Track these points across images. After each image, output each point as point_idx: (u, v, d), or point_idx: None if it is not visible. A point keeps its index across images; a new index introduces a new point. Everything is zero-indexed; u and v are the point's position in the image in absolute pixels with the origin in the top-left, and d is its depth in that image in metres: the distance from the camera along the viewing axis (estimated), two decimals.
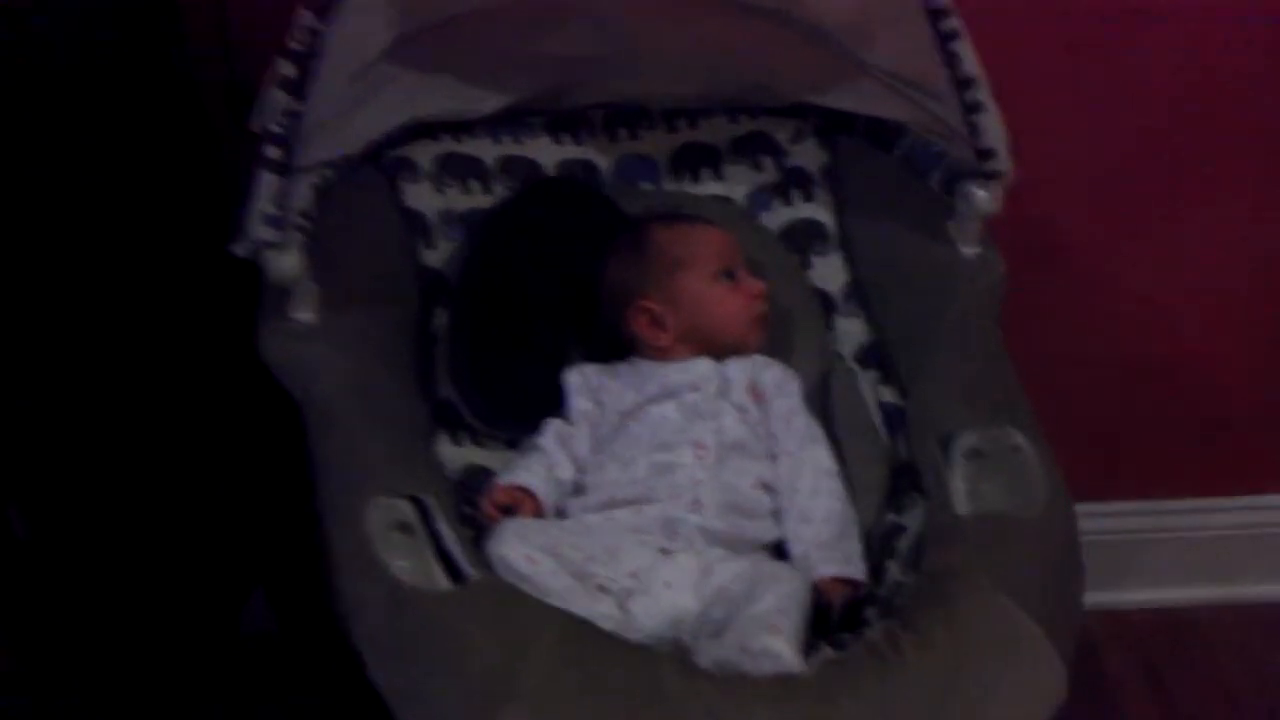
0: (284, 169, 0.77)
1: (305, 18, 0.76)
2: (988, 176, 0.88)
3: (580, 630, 0.67)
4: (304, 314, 0.82)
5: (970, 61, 0.85)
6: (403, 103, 0.96)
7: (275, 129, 0.76)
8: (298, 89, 0.76)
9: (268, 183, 0.76)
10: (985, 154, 0.87)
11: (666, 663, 0.66)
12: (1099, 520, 1.38)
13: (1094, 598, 1.39)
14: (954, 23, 0.84)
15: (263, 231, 0.77)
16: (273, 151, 0.76)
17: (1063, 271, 1.27)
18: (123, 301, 1.03)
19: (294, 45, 0.77)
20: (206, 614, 1.18)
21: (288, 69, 0.76)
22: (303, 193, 0.86)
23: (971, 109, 0.86)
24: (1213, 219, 1.27)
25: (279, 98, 0.76)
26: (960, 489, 0.80)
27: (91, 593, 1.00)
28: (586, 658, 0.65)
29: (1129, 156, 1.25)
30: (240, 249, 0.79)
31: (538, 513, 0.84)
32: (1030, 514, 0.75)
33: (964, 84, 0.85)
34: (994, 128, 0.87)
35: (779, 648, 0.69)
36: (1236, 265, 1.32)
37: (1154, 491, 1.46)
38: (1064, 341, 1.32)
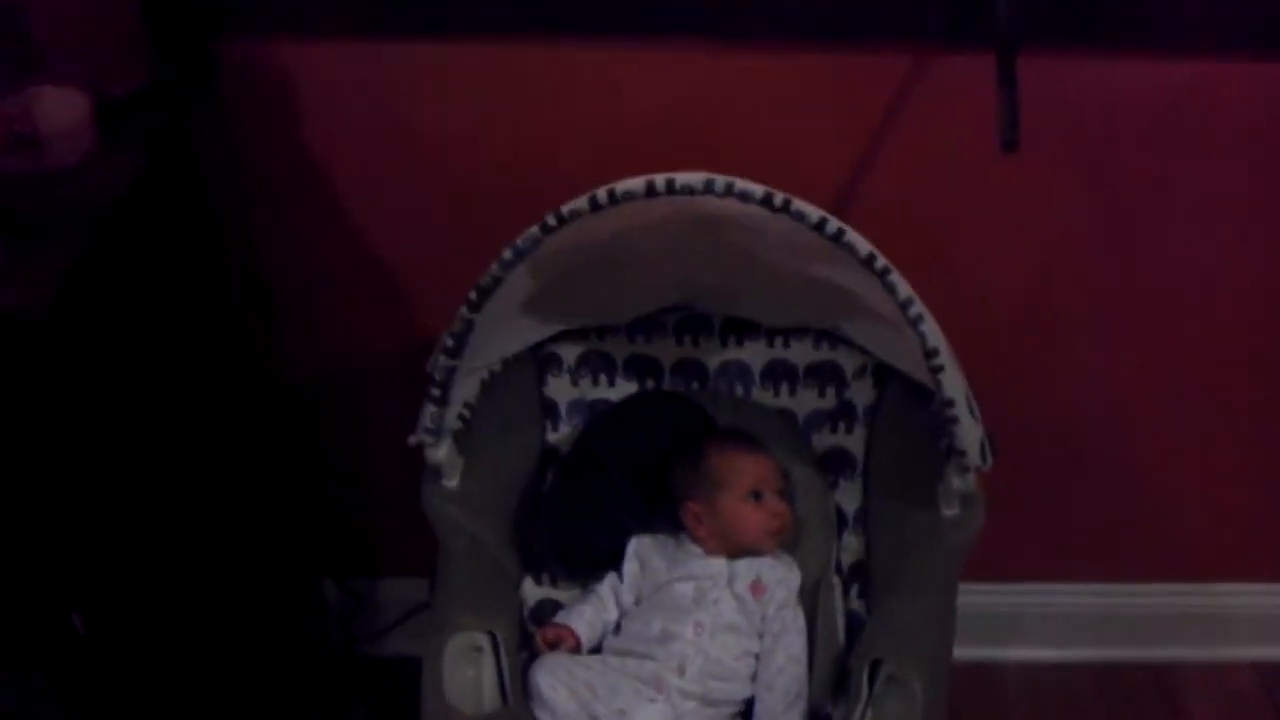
0: (440, 402, 1.13)
1: (462, 310, 1.11)
2: (959, 469, 1.11)
3: None
4: (449, 481, 1.18)
5: (949, 387, 1.07)
6: (557, 316, 1.29)
7: (437, 376, 1.12)
8: (454, 353, 1.11)
9: (429, 411, 1.12)
10: (958, 453, 1.10)
11: None
12: None
13: None
14: (940, 360, 1.06)
15: (425, 437, 1.14)
16: (435, 391, 1.12)
17: None
18: (170, 436, 1.26)
19: (453, 329, 1.09)
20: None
21: (448, 341, 1.11)
22: (468, 388, 1.23)
23: (950, 421, 1.08)
24: None
25: (441, 359, 1.11)
26: (865, 708, 1.06)
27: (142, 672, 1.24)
28: None
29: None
30: (412, 440, 1.18)
31: (575, 648, 1.18)
32: None
33: (946, 403, 1.08)
34: (967, 435, 1.09)
35: None
36: None
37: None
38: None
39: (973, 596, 1.63)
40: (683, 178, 1.02)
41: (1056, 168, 1.42)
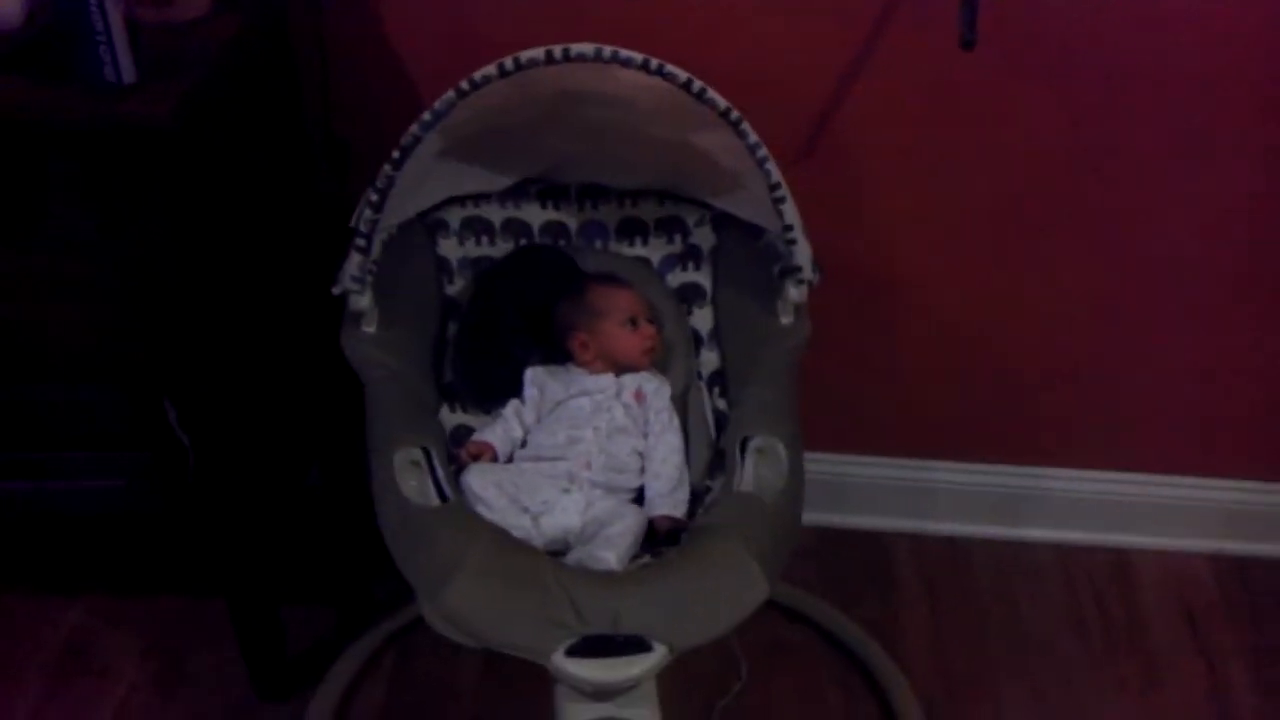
0: (365, 251, 1.30)
1: (385, 168, 1.28)
2: (797, 282, 1.40)
3: (502, 536, 1.23)
4: (368, 328, 1.37)
5: (789, 215, 1.34)
6: (445, 185, 1.50)
7: (362, 228, 1.29)
8: (378, 208, 1.28)
9: (356, 260, 1.30)
10: (795, 269, 1.38)
11: (544, 559, 1.21)
12: (908, 470, 1.96)
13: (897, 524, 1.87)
14: (782, 192, 1.32)
15: (351, 285, 1.31)
16: (360, 241, 1.29)
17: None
18: (253, 258, 1.54)
19: (377, 184, 1.27)
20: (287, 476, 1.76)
21: (373, 195, 1.28)
22: (377, 248, 1.40)
23: (790, 243, 1.36)
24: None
25: (367, 212, 1.28)
26: (743, 473, 1.33)
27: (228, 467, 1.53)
28: (504, 552, 1.20)
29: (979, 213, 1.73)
30: (336, 289, 1.34)
31: (493, 459, 1.39)
32: (769, 497, 1.28)
33: (786, 228, 1.35)
34: (802, 253, 1.37)
35: (609, 558, 1.25)
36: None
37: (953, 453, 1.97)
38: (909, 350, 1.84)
39: (941, 475, 1.95)
40: (577, 46, 1.23)
41: (1017, 68, 1.57)
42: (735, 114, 1.28)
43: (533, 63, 1.22)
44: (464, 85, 1.23)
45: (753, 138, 1.30)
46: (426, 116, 1.25)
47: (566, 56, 1.22)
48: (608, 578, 1.23)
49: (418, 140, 1.26)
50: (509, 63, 1.23)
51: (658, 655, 1.16)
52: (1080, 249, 1.75)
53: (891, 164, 1.67)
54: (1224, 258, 1.75)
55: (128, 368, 1.41)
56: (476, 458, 1.39)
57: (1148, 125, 1.63)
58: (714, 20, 1.57)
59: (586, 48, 1.23)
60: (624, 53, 1.23)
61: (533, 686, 1.66)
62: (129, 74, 1.22)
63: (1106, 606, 1.92)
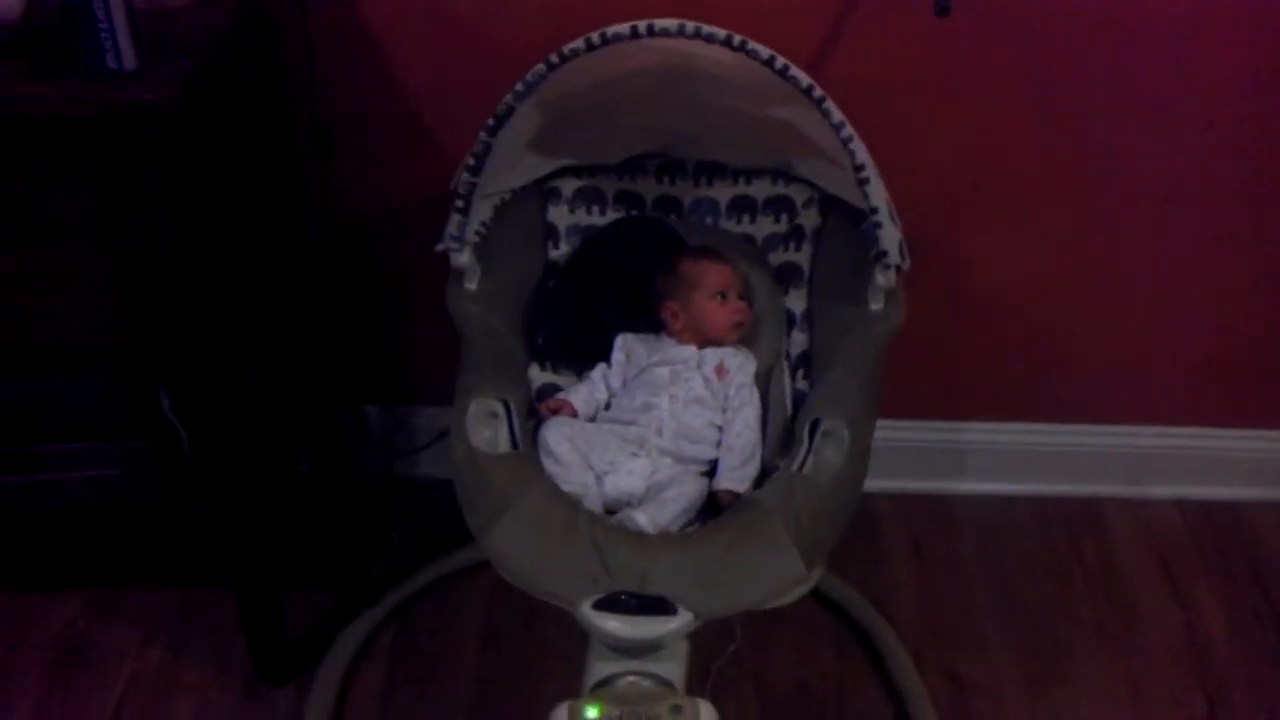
0: (463, 212, 1.38)
1: (481, 135, 1.35)
2: (884, 267, 1.37)
3: (550, 489, 1.29)
4: (469, 284, 1.45)
5: (874, 196, 1.33)
6: (558, 154, 1.56)
7: (460, 190, 1.38)
8: (475, 171, 1.36)
9: (454, 220, 1.39)
10: (881, 255, 1.36)
11: (584, 514, 1.26)
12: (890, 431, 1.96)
13: (875, 485, 1.93)
14: (866, 173, 1.32)
15: (450, 243, 1.40)
16: (459, 203, 1.38)
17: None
18: (245, 246, 1.56)
19: (474, 150, 1.34)
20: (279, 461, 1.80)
21: (470, 160, 1.36)
22: (485, 210, 1.49)
23: (875, 226, 1.34)
24: None
25: (464, 175, 1.36)
26: (808, 454, 1.33)
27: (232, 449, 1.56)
28: (548, 503, 1.27)
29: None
30: (439, 247, 1.43)
31: (572, 416, 1.44)
32: (824, 478, 1.28)
33: (871, 210, 1.34)
34: (888, 237, 1.35)
35: (642, 519, 1.29)
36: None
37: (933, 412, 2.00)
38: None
39: (922, 434, 1.98)
40: (661, 22, 1.26)
41: (989, 34, 1.60)
42: (818, 91, 1.28)
43: (618, 37, 1.26)
44: (553, 58, 1.29)
45: (836, 116, 1.29)
46: (519, 87, 1.32)
47: (650, 31, 1.26)
48: (641, 538, 1.27)
49: (511, 110, 1.32)
50: (596, 37, 1.28)
51: (682, 620, 1.19)
52: (1057, 208, 1.78)
53: (864, 132, 1.53)
54: (1191, 218, 1.78)
55: (122, 356, 1.43)
56: (555, 412, 1.45)
57: (1125, 86, 1.66)
58: None
59: (670, 23, 1.27)
60: (706, 28, 1.26)
61: (530, 659, 1.76)
62: (130, 61, 1.24)
63: (1083, 555, 1.98)
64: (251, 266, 1.62)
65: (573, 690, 1.26)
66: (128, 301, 1.37)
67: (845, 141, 1.29)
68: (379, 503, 1.99)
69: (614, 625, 1.19)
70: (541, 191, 1.59)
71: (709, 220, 1.60)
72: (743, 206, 1.59)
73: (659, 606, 1.20)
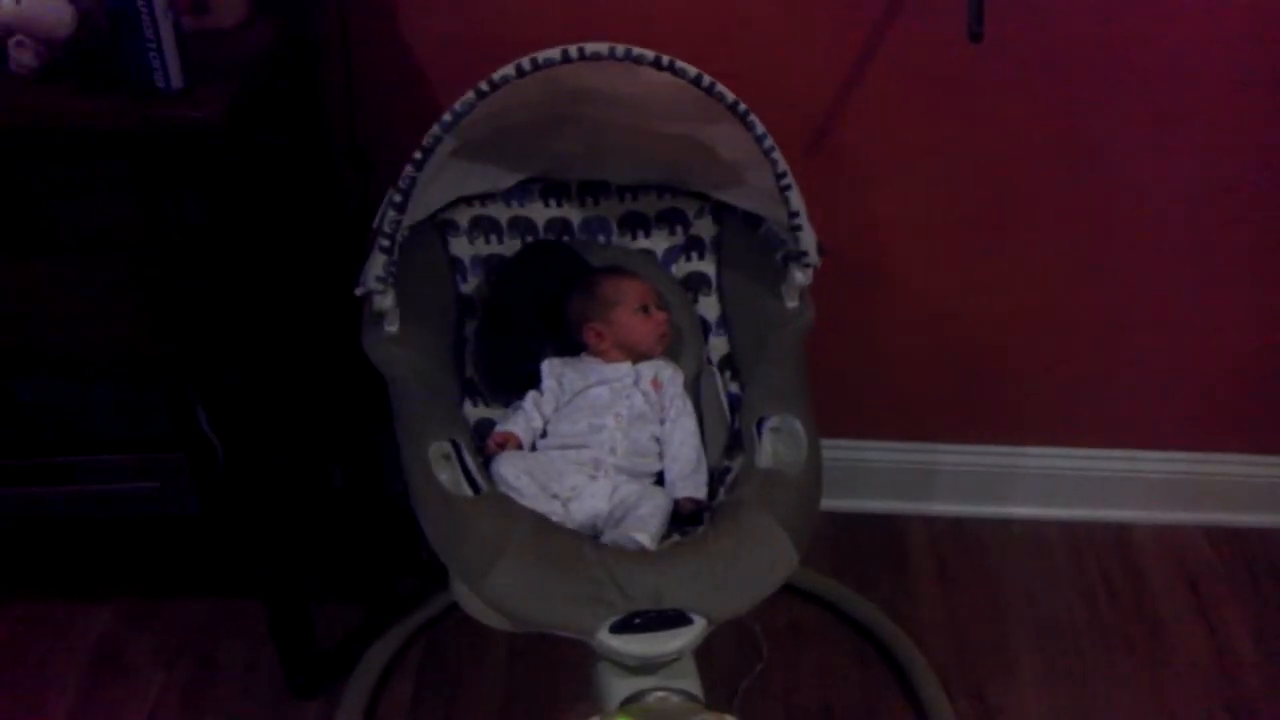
0: (389, 251, 1.32)
1: (408, 169, 1.30)
2: (802, 266, 1.46)
3: (542, 520, 1.27)
4: (390, 327, 1.39)
5: (795, 201, 1.40)
6: (453, 185, 1.53)
7: (386, 228, 1.32)
8: (401, 208, 1.31)
9: (380, 260, 1.33)
10: (800, 255, 1.44)
11: (585, 540, 1.25)
12: (917, 454, 2.03)
13: (904, 507, 2.01)
14: (788, 180, 1.38)
15: (375, 285, 1.34)
16: (384, 242, 1.32)
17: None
18: (283, 261, 1.59)
19: (399, 185, 1.30)
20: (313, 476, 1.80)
21: (396, 196, 1.30)
22: (395, 250, 1.42)
23: (795, 229, 1.41)
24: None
25: (390, 213, 1.31)
26: (762, 451, 1.38)
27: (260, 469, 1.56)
28: (546, 535, 1.24)
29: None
30: (359, 290, 1.36)
31: (519, 448, 1.42)
32: (792, 471, 1.33)
33: (792, 214, 1.40)
34: (806, 238, 1.43)
35: (643, 539, 1.29)
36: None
37: (961, 436, 2.05)
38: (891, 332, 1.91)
39: (948, 457, 2.02)
40: (592, 46, 1.27)
41: (1020, 63, 1.63)
42: (743, 106, 1.33)
43: (549, 62, 1.26)
44: (483, 86, 1.27)
45: (760, 129, 1.35)
46: (447, 117, 1.29)
47: (582, 55, 1.26)
48: (648, 556, 1.27)
49: (439, 140, 1.29)
50: (526, 63, 1.27)
51: (698, 628, 1.21)
52: (1084, 233, 1.81)
53: (892, 157, 1.73)
54: (1214, 243, 1.82)
55: (159, 368, 1.45)
56: (503, 446, 1.42)
57: (1143, 118, 1.69)
58: (718, 17, 1.62)
59: (601, 47, 1.27)
60: (636, 50, 1.28)
61: (556, 674, 1.76)
62: (177, 80, 1.26)
63: (1111, 579, 2.00)
64: (288, 282, 1.64)
65: (595, 705, 1.25)
66: (167, 313, 1.39)
67: (768, 151, 1.35)
68: (409, 519, 1.85)
69: (636, 646, 1.19)
70: (435, 225, 1.55)
71: (601, 239, 1.62)
72: (634, 222, 1.62)
73: (674, 620, 1.21)
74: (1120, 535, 2.07)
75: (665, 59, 1.29)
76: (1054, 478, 2.06)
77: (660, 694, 1.24)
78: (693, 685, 1.25)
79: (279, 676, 1.74)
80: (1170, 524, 2.08)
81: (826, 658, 1.83)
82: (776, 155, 1.37)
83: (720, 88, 1.32)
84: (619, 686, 1.24)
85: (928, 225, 1.79)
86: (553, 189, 1.61)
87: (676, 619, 1.21)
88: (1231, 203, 1.79)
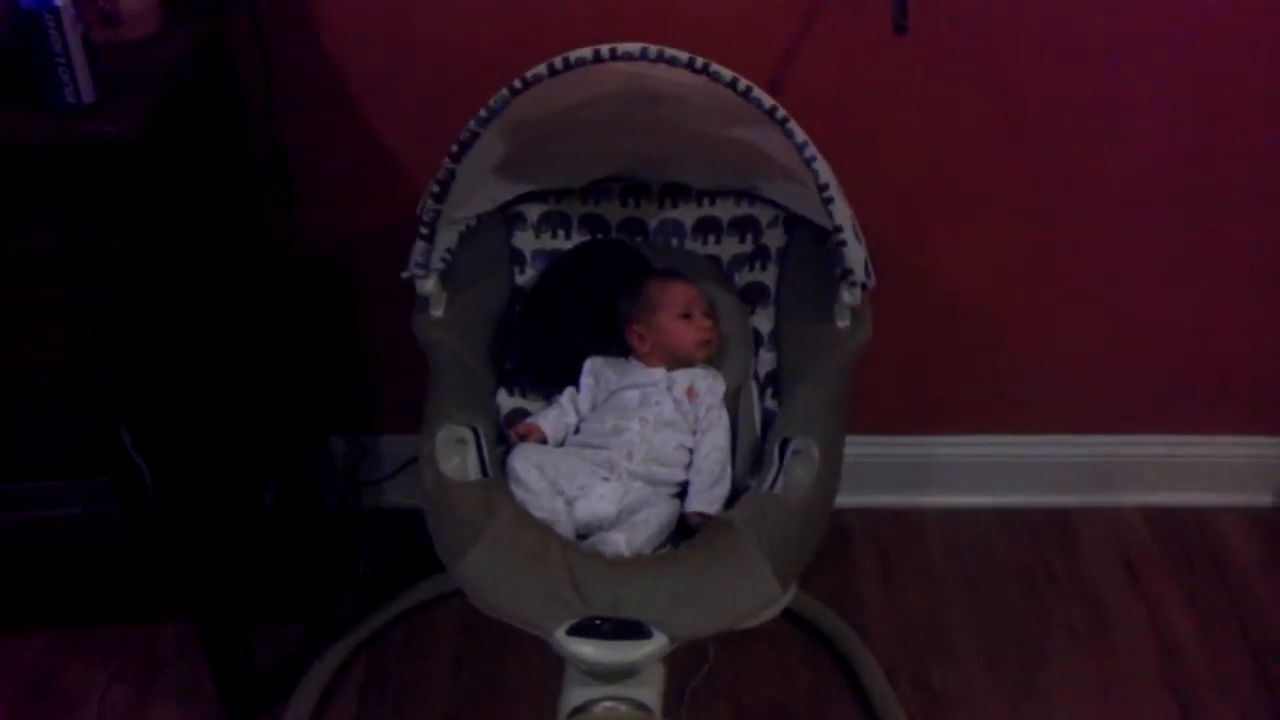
0: (429, 239, 1.38)
1: (445, 162, 1.35)
2: (849, 284, 1.38)
3: (521, 515, 1.28)
4: (435, 311, 1.44)
5: (839, 215, 1.33)
6: (523, 179, 1.55)
7: (425, 217, 1.37)
8: (439, 198, 1.35)
9: (419, 247, 1.38)
10: (846, 273, 1.37)
11: (555, 539, 1.26)
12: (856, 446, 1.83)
13: (843, 500, 1.85)
14: (830, 192, 1.32)
15: (416, 270, 1.40)
16: (424, 230, 1.37)
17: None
18: (205, 281, 1.56)
19: (438, 177, 1.34)
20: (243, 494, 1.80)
21: (434, 187, 1.35)
22: (450, 237, 1.48)
23: (839, 244, 1.35)
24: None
25: (429, 202, 1.36)
26: (776, 473, 1.33)
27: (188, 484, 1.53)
28: (519, 529, 1.26)
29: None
30: (404, 274, 1.43)
31: (542, 441, 1.44)
32: (794, 496, 1.28)
33: (836, 229, 1.34)
34: (854, 255, 1.36)
35: (619, 542, 1.28)
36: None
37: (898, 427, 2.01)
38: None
39: (888, 449, 2.00)
40: (624, 46, 1.26)
41: (947, 50, 1.63)
42: (781, 112, 1.28)
43: (580, 61, 1.26)
44: (516, 83, 1.29)
45: (800, 136, 1.29)
46: (482, 113, 1.31)
47: (614, 55, 1.25)
48: (613, 562, 1.26)
49: (475, 135, 1.32)
50: (558, 62, 1.28)
51: (657, 643, 1.18)
52: (1015, 221, 1.80)
53: (825, 148, 1.54)
54: (1145, 232, 1.81)
55: (84, 390, 1.41)
56: (524, 438, 1.45)
57: (1082, 96, 1.68)
58: (651, 10, 1.58)
59: (633, 47, 1.26)
60: (669, 51, 1.26)
61: (502, 688, 1.75)
62: (89, 94, 1.24)
63: (1050, 563, 2.00)
64: (213, 297, 1.61)
65: (547, 716, 1.25)
66: (89, 334, 1.36)
67: (809, 161, 1.30)
68: (346, 533, 1.97)
69: (588, 650, 1.18)
70: (506, 217, 1.59)
71: (674, 242, 1.61)
72: (708, 227, 1.60)
73: (634, 631, 1.19)
74: (1059, 520, 2.07)
75: (700, 61, 1.26)
76: (991, 465, 2.06)
77: (609, 704, 1.23)
78: (649, 696, 1.23)
79: (218, 700, 1.72)
80: (1106, 506, 2.09)
81: (773, 655, 1.81)
82: (818, 165, 1.31)
83: (757, 92, 1.28)
84: (574, 694, 1.25)
85: (864, 215, 1.57)
86: (633, 189, 1.61)
87: (635, 630, 1.19)
88: (1171, 191, 1.78)
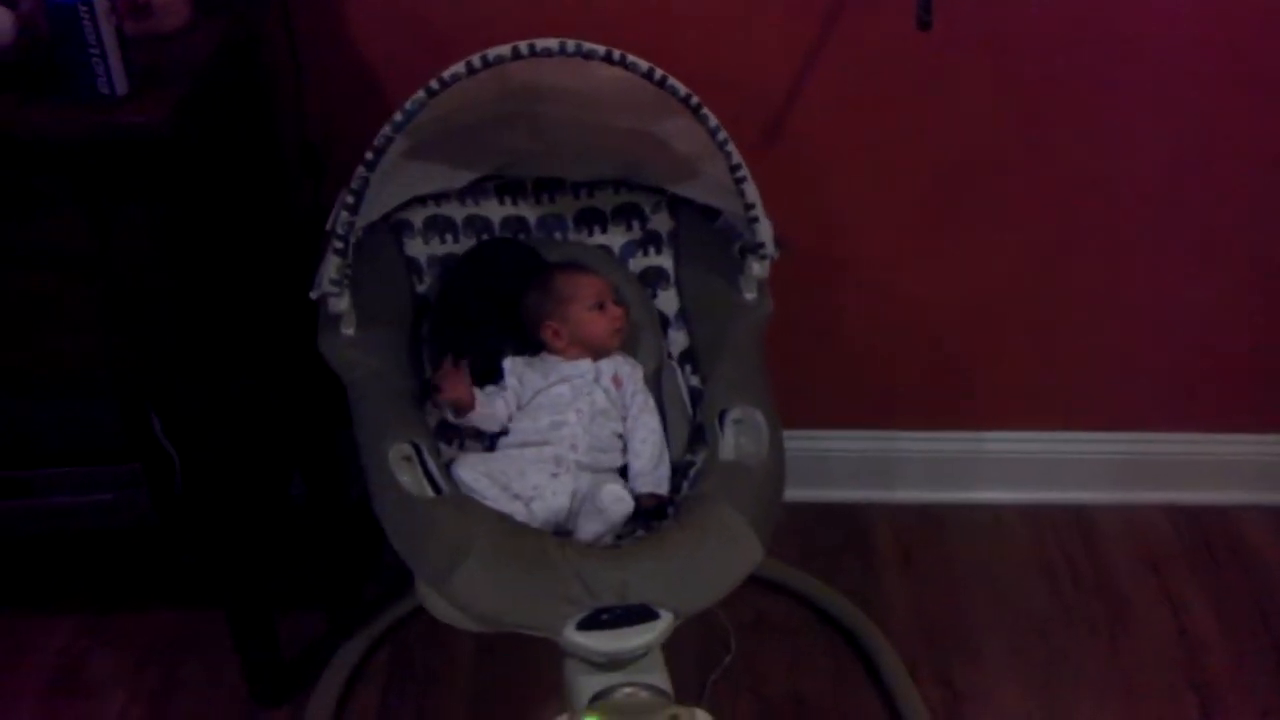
0: (342, 253, 1.31)
1: (359, 170, 1.29)
2: (759, 257, 1.46)
3: (506, 521, 1.26)
4: (347, 330, 1.38)
5: (751, 194, 1.40)
6: (407, 185, 1.51)
7: (340, 230, 1.31)
8: (354, 209, 1.30)
9: (334, 262, 1.32)
10: (758, 246, 1.45)
11: (549, 538, 1.25)
12: (880, 442, 2.04)
13: (867, 496, 1.99)
14: (743, 173, 1.38)
15: (329, 288, 1.33)
16: (338, 244, 1.31)
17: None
18: (235, 264, 1.58)
19: (351, 186, 1.30)
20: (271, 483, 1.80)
21: (349, 198, 1.29)
22: (349, 252, 1.41)
23: (752, 220, 1.42)
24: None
25: (344, 215, 1.30)
26: (725, 444, 1.38)
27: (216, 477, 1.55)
28: (509, 534, 1.24)
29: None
30: (314, 293, 1.35)
31: (470, 405, 1.41)
32: (754, 463, 1.33)
33: (748, 206, 1.41)
34: (763, 230, 1.43)
35: (620, 493, 1.31)
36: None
37: (922, 423, 2.06)
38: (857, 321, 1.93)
39: (909, 444, 2.02)
40: (542, 41, 1.27)
41: (969, 49, 1.65)
42: (695, 100, 1.33)
43: (500, 59, 1.25)
44: (433, 84, 1.26)
45: (713, 121, 1.35)
46: (398, 117, 1.28)
47: (533, 51, 1.25)
48: (612, 552, 1.27)
49: (390, 140, 1.28)
50: (476, 60, 1.26)
51: (664, 622, 1.20)
52: (1035, 218, 1.82)
53: (846, 146, 1.73)
54: (1172, 227, 1.83)
55: (114, 379, 1.42)
56: (455, 407, 1.41)
57: (1102, 97, 1.71)
58: (670, 12, 1.62)
59: (551, 42, 1.27)
60: (587, 45, 1.27)
61: (525, 675, 1.74)
62: (121, 85, 1.25)
63: (1074, 561, 2.00)
64: (242, 287, 1.62)
65: (565, 704, 1.24)
66: (120, 323, 1.37)
67: (721, 144, 1.35)
68: (371, 523, 1.83)
69: (602, 642, 1.18)
70: (390, 226, 1.54)
71: (558, 235, 1.61)
72: (591, 218, 1.62)
73: (639, 615, 1.21)
74: (1081, 517, 2.08)
75: (617, 54, 1.29)
76: (1014, 461, 2.07)
77: (628, 690, 1.23)
78: (661, 680, 1.25)
79: (243, 687, 1.73)
80: (1131, 504, 2.09)
81: (795, 648, 1.83)
82: (730, 148, 1.37)
83: (672, 81, 1.31)
84: (587, 684, 1.24)
85: (884, 213, 1.79)
86: (508, 187, 1.60)
87: (643, 614, 1.20)
88: (1193, 188, 1.80)
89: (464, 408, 1.43)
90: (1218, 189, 1.81)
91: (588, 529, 1.33)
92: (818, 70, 1.66)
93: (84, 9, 1.20)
